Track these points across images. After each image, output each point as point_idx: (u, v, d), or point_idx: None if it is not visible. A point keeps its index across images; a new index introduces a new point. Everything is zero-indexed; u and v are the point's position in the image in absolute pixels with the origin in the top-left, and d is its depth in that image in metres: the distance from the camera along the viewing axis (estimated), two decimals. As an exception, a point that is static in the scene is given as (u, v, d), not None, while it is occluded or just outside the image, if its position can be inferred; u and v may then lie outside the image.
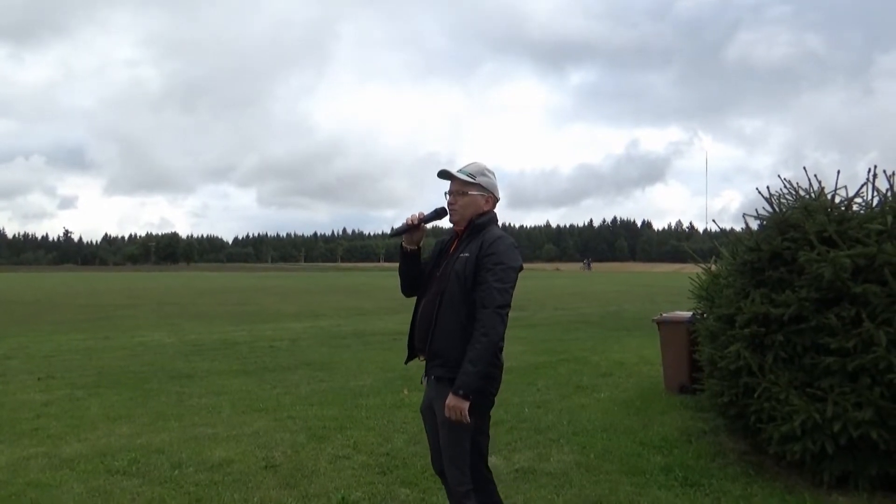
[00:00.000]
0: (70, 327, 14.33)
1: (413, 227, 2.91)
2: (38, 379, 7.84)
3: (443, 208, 2.93)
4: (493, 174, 2.96)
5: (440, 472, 2.95)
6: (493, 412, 2.91)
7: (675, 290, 28.22)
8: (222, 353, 10.16)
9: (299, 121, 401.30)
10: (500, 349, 2.75)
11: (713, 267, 6.25)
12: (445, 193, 2.93)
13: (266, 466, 4.53)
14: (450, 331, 2.76)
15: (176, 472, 4.41)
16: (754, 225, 4.87)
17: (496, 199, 2.97)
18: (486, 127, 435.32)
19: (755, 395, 4.26)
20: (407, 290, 3.06)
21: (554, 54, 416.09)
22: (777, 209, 4.67)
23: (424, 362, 2.91)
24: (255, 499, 3.97)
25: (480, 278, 2.72)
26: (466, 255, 2.79)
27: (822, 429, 3.90)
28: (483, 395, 2.75)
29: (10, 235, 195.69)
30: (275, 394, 7.00)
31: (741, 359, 4.37)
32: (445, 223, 3.00)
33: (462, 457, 2.77)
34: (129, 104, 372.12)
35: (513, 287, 2.76)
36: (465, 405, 2.63)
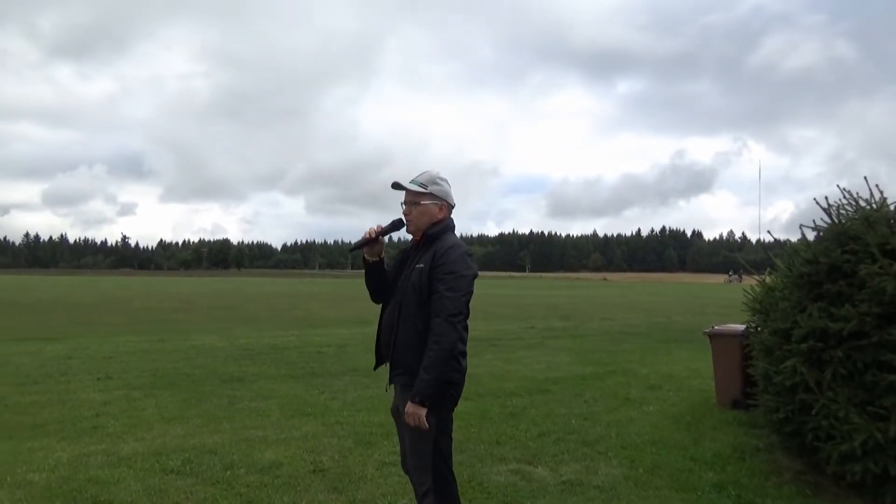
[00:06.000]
0: (127, 329, 14.81)
1: (372, 241, 2.99)
2: (98, 379, 8.13)
3: (399, 220, 3.02)
4: (447, 181, 3.02)
5: (408, 471, 3.05)
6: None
7: (726, 301, 27.54)
8: (272, 357, 10.35)
9: (346, 130, 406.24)
10: (462, 353, 2.81)
11: (768, 279, 6.09)
12: (401, 204, 3.01)
13: (314, 470, 4.60)
14: (408, 340, 2.85)
15: (228, 472, 4.52)
16: (811, 236, 4.74)
17: (451, 207, 3.03)
18: (532, 136, 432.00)
19: (812, 413, 4.13)
20: (375, 298, 3.17)
21: (599, 64, 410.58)
22: (836, 220, 4.53)
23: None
24: (304, 502, 4.03)
25: (433, 288, 2.79)
26: (421, 265, 2.87)
27: (885, 449, 3.76)
28: (444, 399, 2.82)
29: (71, 240, 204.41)
30: (322, 399, 7.11)
31: (798, 374, 4.24)
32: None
33: (423, 458, 2.86)
34: (184, 115, 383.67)
35: (465, 295, 2.80)
36: (423, 412, 2.72)
